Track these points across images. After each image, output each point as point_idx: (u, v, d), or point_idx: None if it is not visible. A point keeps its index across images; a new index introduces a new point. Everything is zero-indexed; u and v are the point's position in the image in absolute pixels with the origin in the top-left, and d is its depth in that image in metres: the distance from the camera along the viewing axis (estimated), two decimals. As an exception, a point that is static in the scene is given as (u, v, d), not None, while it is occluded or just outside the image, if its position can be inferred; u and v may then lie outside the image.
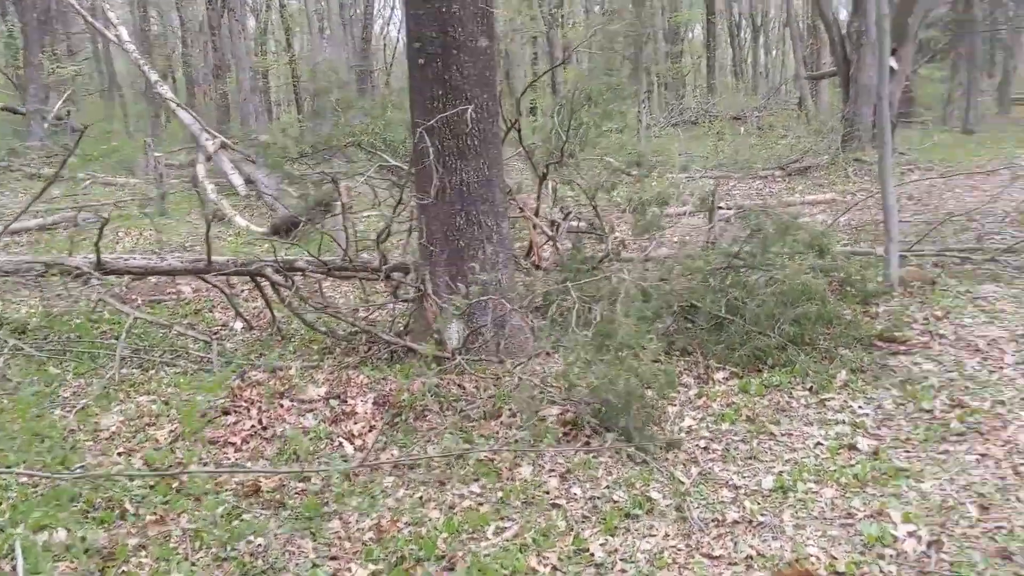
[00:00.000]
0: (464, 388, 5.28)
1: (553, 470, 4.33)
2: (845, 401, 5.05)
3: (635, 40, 24.76)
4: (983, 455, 4.24)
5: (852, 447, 4.46)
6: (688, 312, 6.31)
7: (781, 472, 4.22)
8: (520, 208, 7.35)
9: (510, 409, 4.96)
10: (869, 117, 16.37)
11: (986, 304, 6.64)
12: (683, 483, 4.15)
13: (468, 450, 4.47)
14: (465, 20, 5.59)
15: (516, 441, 4.57)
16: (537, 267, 7.21)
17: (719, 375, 5.56)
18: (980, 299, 6.80)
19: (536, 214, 7.44)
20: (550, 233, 7.46)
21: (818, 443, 4.55)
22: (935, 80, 27.01)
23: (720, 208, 12.80)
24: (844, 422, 4.76)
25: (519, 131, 7.56)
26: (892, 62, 16.47)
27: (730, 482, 4.16)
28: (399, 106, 8.07)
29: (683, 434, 4.75)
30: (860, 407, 4.95)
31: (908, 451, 4.38)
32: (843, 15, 23.51)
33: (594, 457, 4.41)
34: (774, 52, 44.22)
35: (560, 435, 4.66)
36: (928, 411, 4.81)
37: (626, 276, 5.89)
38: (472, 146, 5.72)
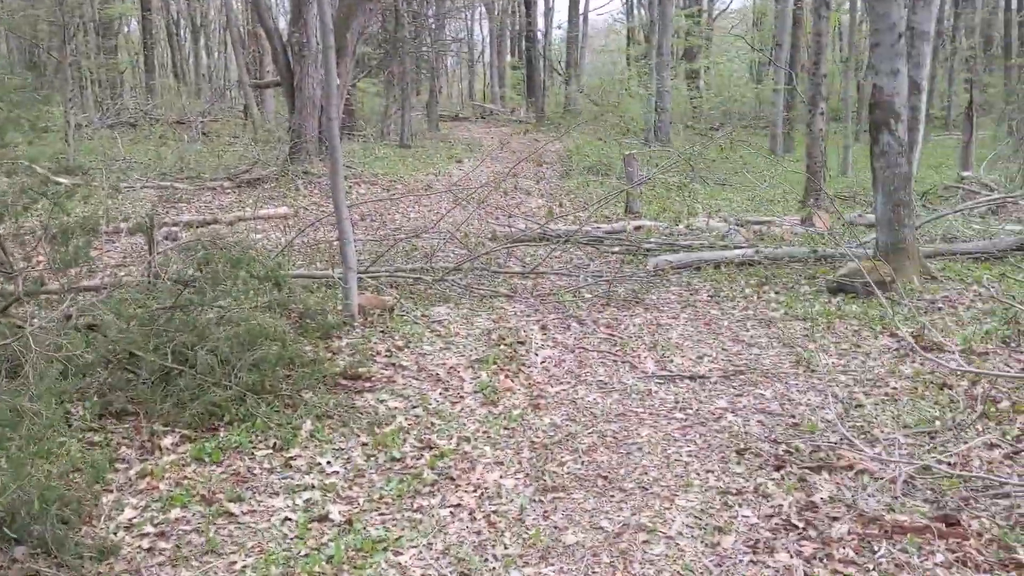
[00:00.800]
0: None
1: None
2: (312, 458, 4.53)
3: (60, 30, 21.87)
4: (457, 506, 4.03)
5: (324, 518, 3.94)
6: (127, 363, 5.28)
7: (244, 568, 3.52)
8: None
9: None
10: (315, 129, 16.44)
11: (441, 328, 6.71)
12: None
13: None
14: None
15: None
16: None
17: (167, 441, 4.66)
18: (436, 323, 6.87)
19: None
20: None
21: (287, 518, 3.94)
22: (372, 95, 28.60)
23: (166, 226, 11.71)
24: (313, 486, 4.22)
25: None
26: (335, 76, 16.75)
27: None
28: None
29: (121, 533, 3.79)
30: (329, 463, 4.47)
31: (384, 513, 3.99)
32: (283, 24, 23.49)
33: (-7, 594, 3.25)
34: (216, 55, 43.17)
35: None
36: (399, 459, 4.50)
37: (43, 324, 4.68)
38: None
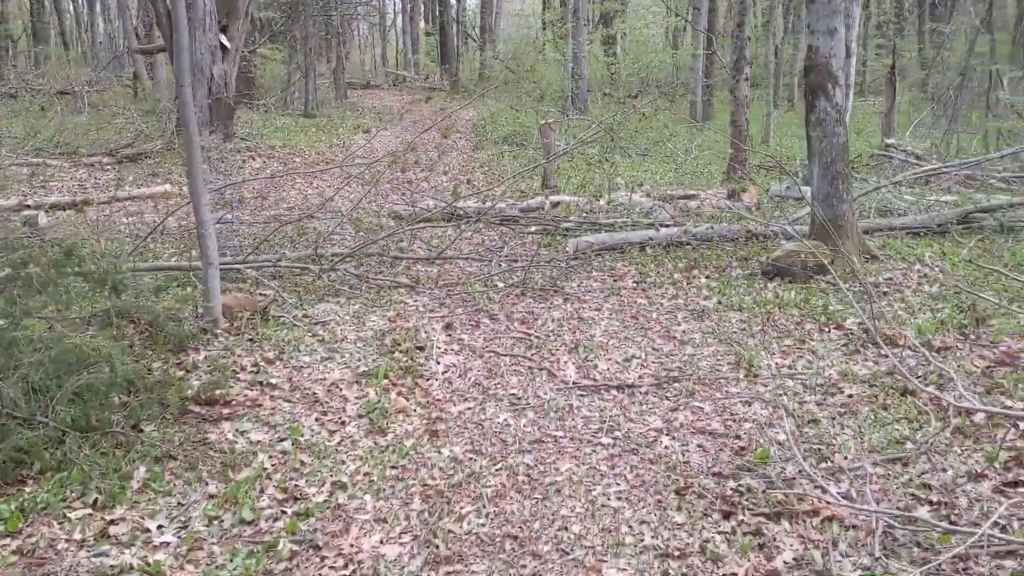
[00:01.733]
0: None
1: None
2: (140, 520, 3.53)
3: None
4: (322, 592, 3.09)
5: (143, 615, 2.96)
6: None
7: None
8: None
9: None
10: (204, 98, 15.05)
11: (326, 332, 5.71)
12: None
13: None
14: None
15: None
16: None
17: (-44, 502, 3.60)
18: (320, 324, 5.87)
19: None
20: None
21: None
22: (276, 61, 26.97)
23: (27, 208, 10.33)
24: (132, 567, 3.22)
25: None
26: (223, 39, 15.36)
27: None
28: None
29: None
30: (161, 528, 3.48)
31: (224, 606, 3.03)
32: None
33: None
34: (116, 21, 40.50)
35: None
36: (251, 521, 3.53)
37: None
38: None
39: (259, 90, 23.62)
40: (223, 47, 15.30)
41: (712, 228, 8.45)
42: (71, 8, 35.28)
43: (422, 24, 45.16)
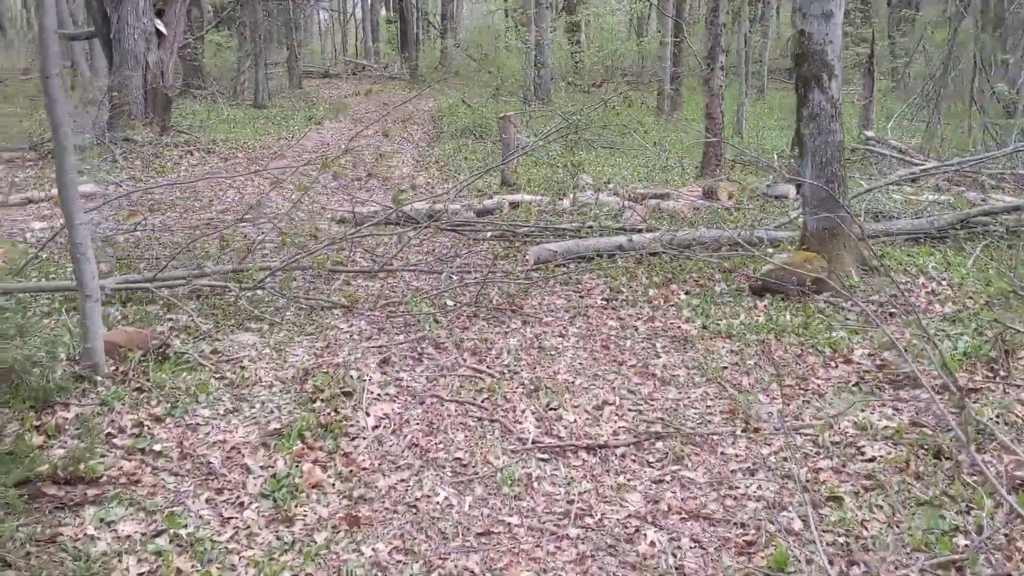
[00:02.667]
0: None
1: None
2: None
3: None
4: None
5: None
6: None
7: None
8: None
9: None
10: (139, 88, 13.89)
11: (235, 373, 4.73)
12: None
13: None
14: None
15: None
16: None
17: None
18: (230, 362, 4.89)
19: None
20: None
21: None
22: (229, 49, 25.69)
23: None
24: None
25: None
26: (159, 25, 14.19)
27: None
28: None
29: None
30: None
31: None
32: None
33: None
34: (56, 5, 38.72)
35: None
36: None
37: None
38: None
39: (207, 79, 22.39)
40: (159, 33, 14.13)
41: (692, 235, 7.56)
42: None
43: (383, 12, 43.97)
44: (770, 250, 7.28)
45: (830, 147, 6.61)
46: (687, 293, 6.41)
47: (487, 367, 5.00)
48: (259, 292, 6.21)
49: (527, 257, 7.21)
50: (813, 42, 6.58)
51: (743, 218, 8.75)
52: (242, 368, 4.79)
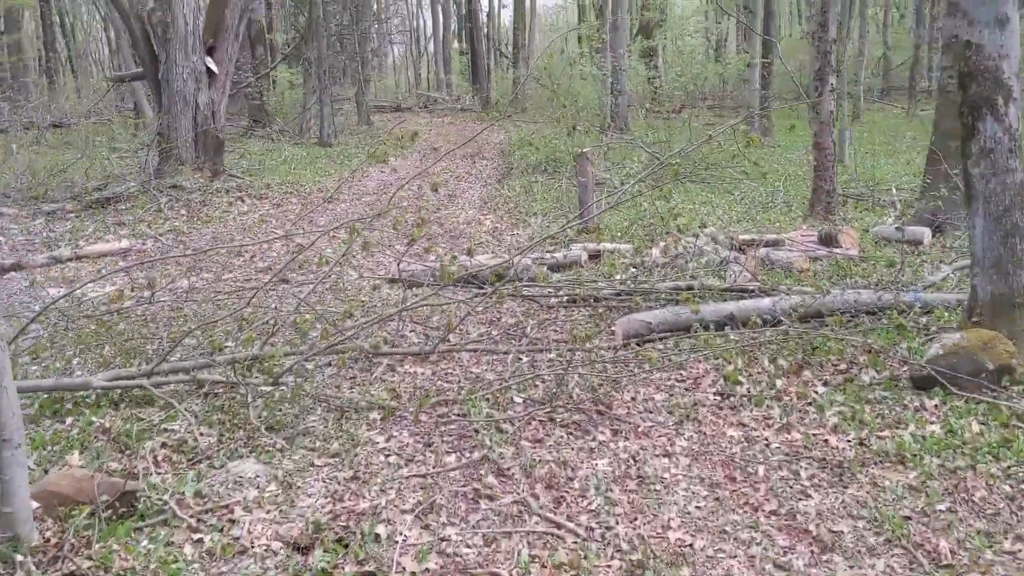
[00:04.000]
0: None
1: None
2: None
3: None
4: None
5: None
6: None
7: None
8: None
9: None
10: (188, 131, 13.01)
11: (221, 534, 3.43)
12: None
13: None
14: None
15: None
16: None
17: None
18: (216, 511, 3.60)
19: None
20: None
21: None
22: (297, 87, 25.07)
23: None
24: None
25: None
26: (210, 63, 13.32)
27: None
28: None
29: None
30: None
31: None
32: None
33: None
34: (109, 49, 39.01)
35: None
36: None
37: None
38: None
39: (271, 118, 21.67)
40: (210, 72, 13.25)
41: (816, 295, 6.05)
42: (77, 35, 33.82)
43: (455, 44, 43.36)
44: (923, 319, 5.74)
45: (1008, 191, 5.06)
46: (825, 384, 4.93)
47: (567, 516, 3.61)
48: (282, 388, 4.96)
49: (614, 332, 5.81)
50: (983, 56, 5.07)
51: (875, 272, 7.20)
52: (232, 522, 3.49)
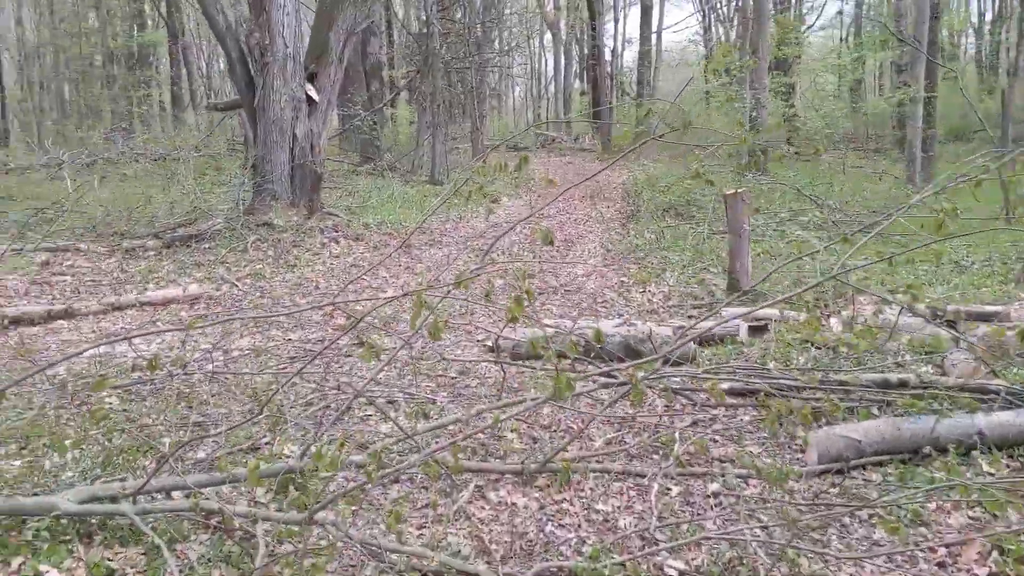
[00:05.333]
0: None
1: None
2: None
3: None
4: None
5: None
6: None
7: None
8: None
9: None
10: (284, 164, 11.83)
11: None
12: None
13: None
14: None
15: None
16: None
17: None
18: None
19: None
20: None
21: None
22: (412, 124, 24.14)
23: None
24: None
25: None
26: (310, 91, 12.15)
27: None
28: None
29: None
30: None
31: None
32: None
33: None
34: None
35: None
36: None
37: None
38: None
39: (382, 154, 20.60)
40: (310, 100, 12.07)
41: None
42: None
43: (576, 84, 42.22)
44: None
45: None
46: None
47: None
48: (319, 529, 3.35)
49: (808, 454, 3.98)
50: None
51: None
52: None
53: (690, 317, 6.95)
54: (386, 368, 5.22)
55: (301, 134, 11.95)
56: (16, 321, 7.37)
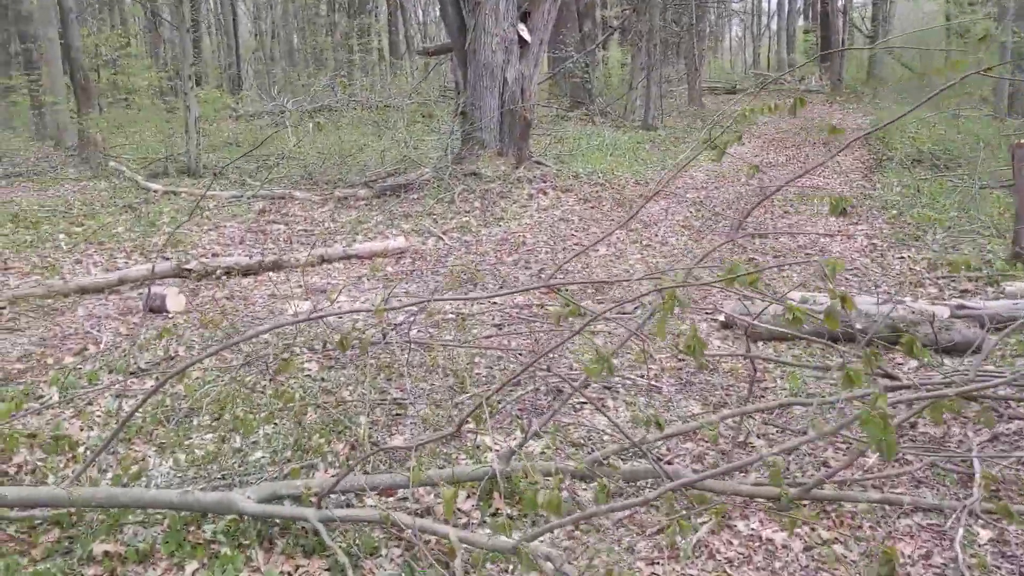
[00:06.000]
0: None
1: None
2: None
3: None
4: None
5: None
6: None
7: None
8: None
9: None
10: (494, 110, 11.31)
11: None
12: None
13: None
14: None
15: None
16: None
17: None
18: None
19: None
20: None
21: None
22: (624, 66, 23.07)
23: (159, 282, 6.95)
24: None
25: None
26: (523, 31, 11.51)
27: None
28: None
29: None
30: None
31: None
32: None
33: None
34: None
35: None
36: None
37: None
38: None
39: (593, 98, 19.78)
40: (522, 41, 11.42)
41: None
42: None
43: (800, 21, 39.32)
44: None
45: None
46: None
47: None
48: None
49: None
50: None
51: None
52: None
53: (964, 292, 5.78)
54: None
55: (512, 78, 11.35)
56: (228, 272, 7.30)
